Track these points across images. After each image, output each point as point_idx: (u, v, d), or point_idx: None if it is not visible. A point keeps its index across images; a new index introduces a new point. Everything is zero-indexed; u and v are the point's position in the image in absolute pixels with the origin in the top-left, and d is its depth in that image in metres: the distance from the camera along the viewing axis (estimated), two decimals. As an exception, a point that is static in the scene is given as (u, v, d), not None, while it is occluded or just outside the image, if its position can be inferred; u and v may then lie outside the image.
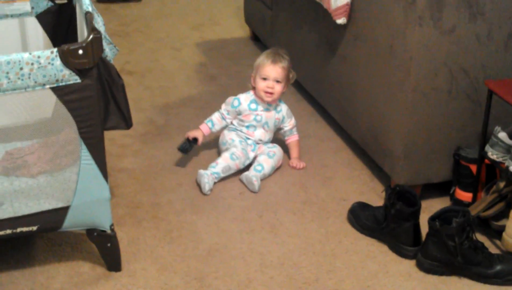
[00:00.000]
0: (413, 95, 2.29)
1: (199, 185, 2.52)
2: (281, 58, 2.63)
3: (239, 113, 2.66)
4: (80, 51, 1.76)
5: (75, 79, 1.79)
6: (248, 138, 2.66)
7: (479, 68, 2.30)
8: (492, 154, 2.22)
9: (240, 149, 2.60)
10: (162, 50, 3.80)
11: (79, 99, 1.82)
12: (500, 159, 2.21)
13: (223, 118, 2.69)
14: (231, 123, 2.70)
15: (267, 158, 2.62)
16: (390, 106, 2.40)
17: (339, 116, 2.82)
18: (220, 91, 3.26)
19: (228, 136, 2.66)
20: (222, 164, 2.55)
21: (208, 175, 2.50)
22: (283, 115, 2.69)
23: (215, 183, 2.53)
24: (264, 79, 2.60)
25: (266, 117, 2.65)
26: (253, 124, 2.65)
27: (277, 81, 2.60)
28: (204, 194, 2.48)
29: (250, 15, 3.84)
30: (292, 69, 2.67)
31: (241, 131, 2.67)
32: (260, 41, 3.81)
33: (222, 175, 2.55)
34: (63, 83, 1.79)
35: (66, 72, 1.77)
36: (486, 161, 2.29)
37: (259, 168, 2.58)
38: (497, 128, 2.22)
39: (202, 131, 2.67)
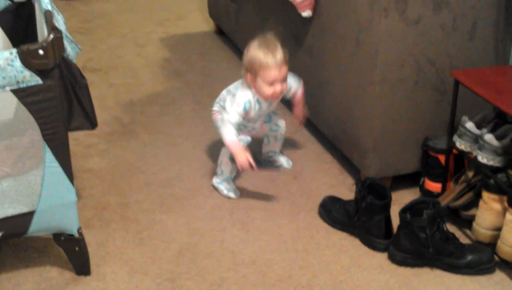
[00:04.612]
0: (380, 87, 2.28)
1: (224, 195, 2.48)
2: (278, 49, 2.28)
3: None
4: (41, 52, 1.71)
5: (36, 80, 1.74)
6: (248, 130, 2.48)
7: (445, 58, 2.30)
8: (460, 144, 2.23)
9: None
10: (126, 46, 3.75)
11: (41, 101, 1.77)
12: (468, 149, 2.22)
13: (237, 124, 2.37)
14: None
15: (276, 142, 2.64)
16: (357, 99, 2.39)
17: (307, 109, 2.80)
18: (186, 87, 3.22)
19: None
20: (227, 169, 2.47)
21: (223, 186, 2.47)
22: (283, 95, 2.45)
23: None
24: (271, 83, 2.30)
25: (268, 109, 2.45)
26: (255, 118, 2.44)
27: (284, 80, 2.33)
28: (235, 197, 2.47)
29: (214, 9, 3.80)
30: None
31: (240, 126, 2.41)
32: (225, 34, 3.77)
33: (232, 176, 2.50)
34: (24, 85, 1.73)
35: (27, 73, 1.72)
36: (454, 151, 2.30)
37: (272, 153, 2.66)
38: (465, 118, 2.23)
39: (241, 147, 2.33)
